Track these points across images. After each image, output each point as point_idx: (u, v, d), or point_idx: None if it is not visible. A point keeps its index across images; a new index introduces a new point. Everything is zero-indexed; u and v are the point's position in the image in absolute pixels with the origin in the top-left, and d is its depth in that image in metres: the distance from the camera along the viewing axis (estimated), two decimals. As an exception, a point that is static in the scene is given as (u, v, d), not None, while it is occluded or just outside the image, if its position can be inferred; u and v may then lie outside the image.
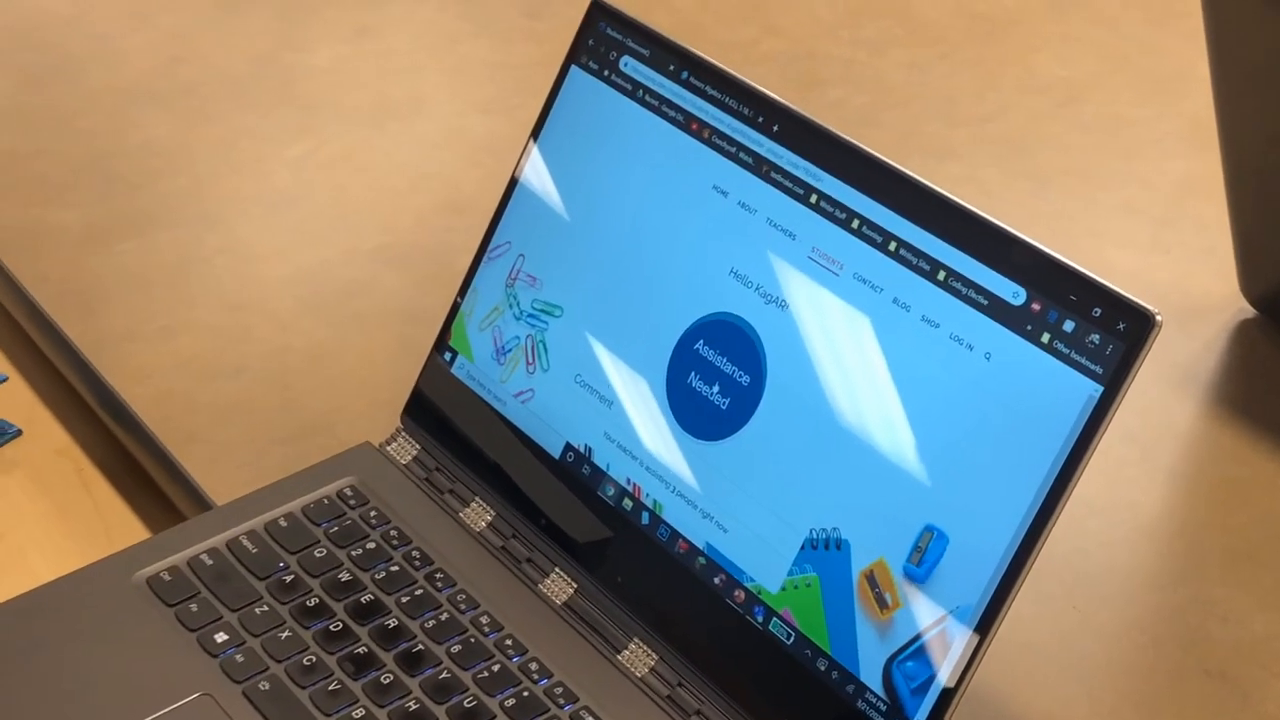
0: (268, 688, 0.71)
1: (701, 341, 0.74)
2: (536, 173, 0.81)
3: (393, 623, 0.74)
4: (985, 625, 0.63)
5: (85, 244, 0.98)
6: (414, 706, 0.70)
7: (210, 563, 0.77)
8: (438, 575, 0.77)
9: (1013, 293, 0.64)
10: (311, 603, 0.75)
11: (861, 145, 0.69)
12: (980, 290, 0.65)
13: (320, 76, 1.15)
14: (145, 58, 1.16)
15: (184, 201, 1.03)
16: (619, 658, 0.74)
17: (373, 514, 0.80)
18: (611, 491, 0.76)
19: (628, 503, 0.75)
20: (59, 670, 0.72)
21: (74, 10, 1.21)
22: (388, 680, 0.71)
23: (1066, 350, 0.62)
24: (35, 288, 0.94)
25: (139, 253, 0.98)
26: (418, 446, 0.83)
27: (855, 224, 0.69)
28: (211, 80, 1.14)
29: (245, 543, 0.78)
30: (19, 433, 0.88)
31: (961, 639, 0.63)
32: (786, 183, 0.71)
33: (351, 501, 0.80)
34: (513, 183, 0.82)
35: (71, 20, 1.20)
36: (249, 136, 1.09)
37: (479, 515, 0.80)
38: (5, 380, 0.88)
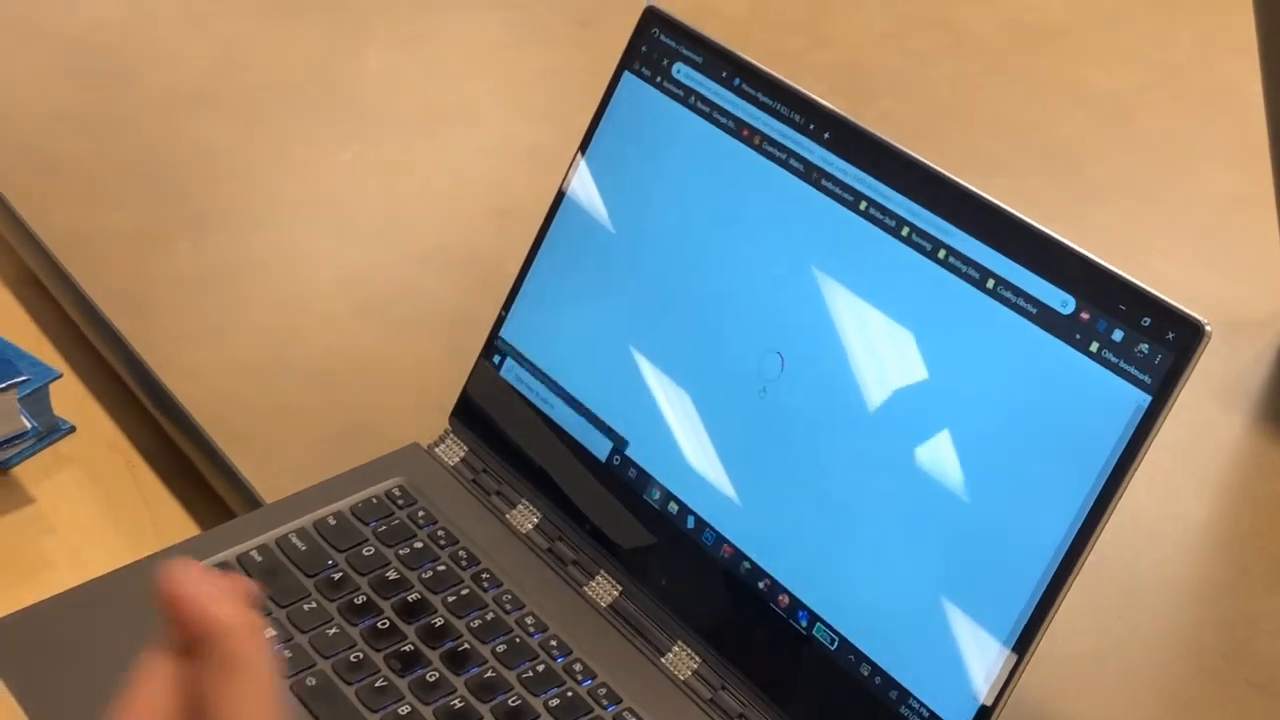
0: (314, 683, 0.71)
1: (748, 347, 0.74)
2: (587, 176, 0.82)
3: (439, 621, 0.75)
4: (1024, 643, 0.63)
5: (140, 245, 1.00)
6: (459, 705, 0.71)
7: (260, 559, 0.77)
8: (484, 575, 0.77)
9: (1061, 301, 0.64)
10: (359, 600, 0.76)
11: (912, 153, 0.70)
12: (1029, 298, 0.65)
13: (372, 83, 1.16)
14: (201, 63, 1.18)
15: (237, 205, 1.04)
16: (662, 660, 0.74)
17: (420, 514, 0.80)
18: (657, 495, 0.76)
19: (673, 506, 0.76)
20: (109, 662, 0.73)
21: (131, 15, 1.22)
22: (433, 678, 0.72)
23: (1115, 359, 0.62)
24: (91, 287, 0.95)
25: (193, 254, 0.99)
26: (465, 448, 0.84)
27: (905, 231, 0.69)
28: (265, 85, 1.15)
29: (294, 540, 0.78)
30: (72, 429, 0.89)
31: (1000, 656, 0.63)
32: (837, 190, 0.72)
33: (400, 501, 0.81)
34: (563, 187, 0.82)
35: (129, 25, 1.21)
36: (301, 141, 1.10)
37: (525, 517, 0.81)
38: (60, 377, 0.89)
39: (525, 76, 1.16)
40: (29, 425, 0.86)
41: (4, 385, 0.84)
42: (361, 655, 0.73)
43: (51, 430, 0.89)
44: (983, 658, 0.64)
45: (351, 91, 1.15)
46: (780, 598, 0.71)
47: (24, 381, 0.85)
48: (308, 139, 1.10)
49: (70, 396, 0.92)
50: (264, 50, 1.19)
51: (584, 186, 0.82)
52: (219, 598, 0.45)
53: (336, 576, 0.77)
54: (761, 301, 0.74)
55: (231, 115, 1.12)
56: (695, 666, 0.73)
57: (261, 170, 1.07)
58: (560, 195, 0.82)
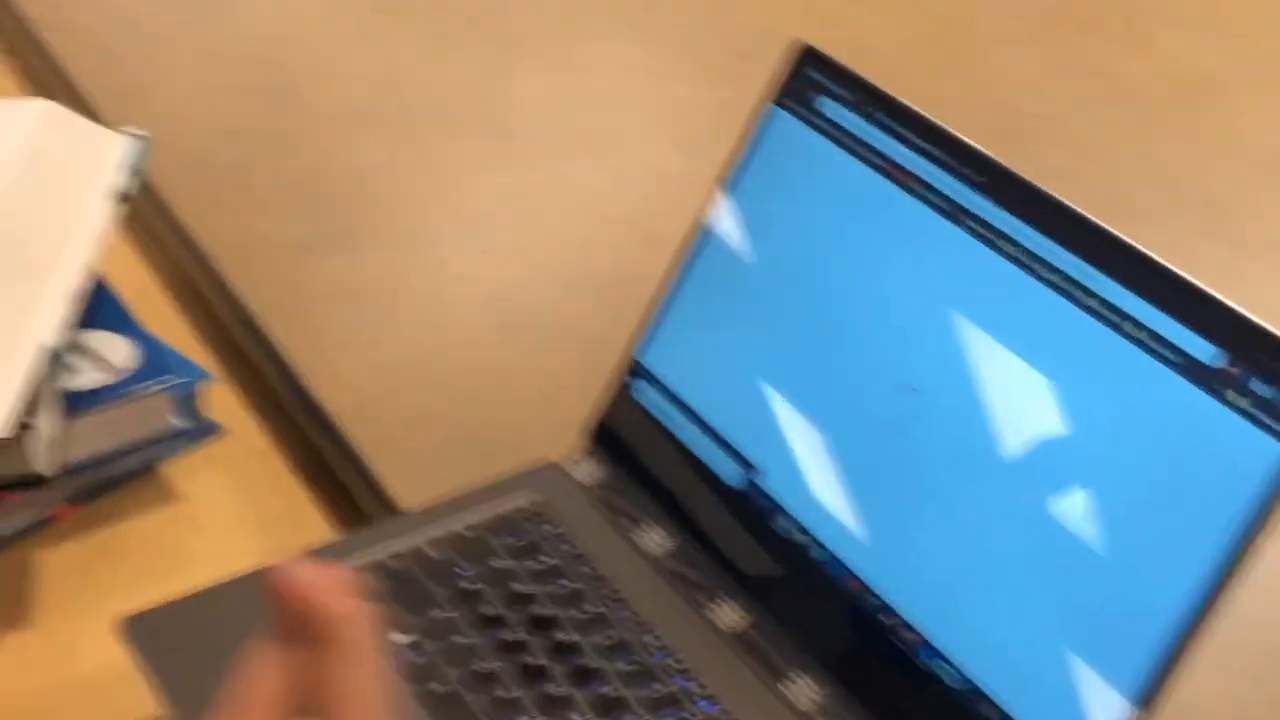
0: (441, 691, 0.73)
1: (885, 384, 0.74)
2: (729, 206, 0.83)
3: (566, 638, 0.76)
4: (1149, 699, 0.63)
5: (296, 256, 1.03)
6: (576, 716, 0.72)
7: (395, 566, 0.79)
8: (612, 595, 0.78)
9: (1208, 353, 0.64)
10: (489, 612, 0.77)
11: (1060, 197, 0.70)
12: (1173, 347, 0.65)
13: (525, 108, 1.19)
14: (362, 82, 1.21)
15: (390, 221, 1.07)
16: (784, 690, 0.74)
17: (553, 531, 0.82)
18: (786, 525, 0.77)
19: (802, 537, 0.76)
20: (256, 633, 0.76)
21: (299, 33, 1.26)
22: (556, 693, 0.73)
23: (1259, 413, 0.62)
24: (247, 295, 0.99)
25: (345, 267, 1.02)
26: (600, 468, 0.85)
27: (1049, 275, 0.69)
28: (422, 106, 1.18)
29: (429, 550, 0.80)
30: (221, 431, 0.92)
31: (1124, 712, 0.63)
32: (981, 231, 0.72)
33: (533, 517, 0.82)
34: (704, 216, 0.83)
35: (296, 42, 1.25)
36: (453, 162, 1.12)
37: (655, 540, 0.82)
38: (211, 379, 0.92)
39: (676, 108, 1.18)
40: (179, 425, 0.90)
41: (156, 385, 0.87)
42: (488, 666, 0.74)
43: (201, 431, 0.92)
44: (1106, 711, 0.64)
45: (505, 115, 1.18)
46: (905, 634, 0.71)
47: (177, 383, 0.88)
48: (460, 160, 1.13)
49: (221, 400, 0.95)
50: (423, 72, 1.22)
51: (725, 216, 0.83)
52: (332, 588, 0.47)
53: (468, 587, 0.78)
54: (900, 339, 0.74)
55: (389, 134, 1.15)
56: (816, 698, 0.74)
57: (415, 188, 1.10)
58: (701, 224, 0.83)
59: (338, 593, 0.48)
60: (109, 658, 0.77)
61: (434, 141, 1.15)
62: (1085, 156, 1.15)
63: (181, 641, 0.77)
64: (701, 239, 0.84)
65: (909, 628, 0.71)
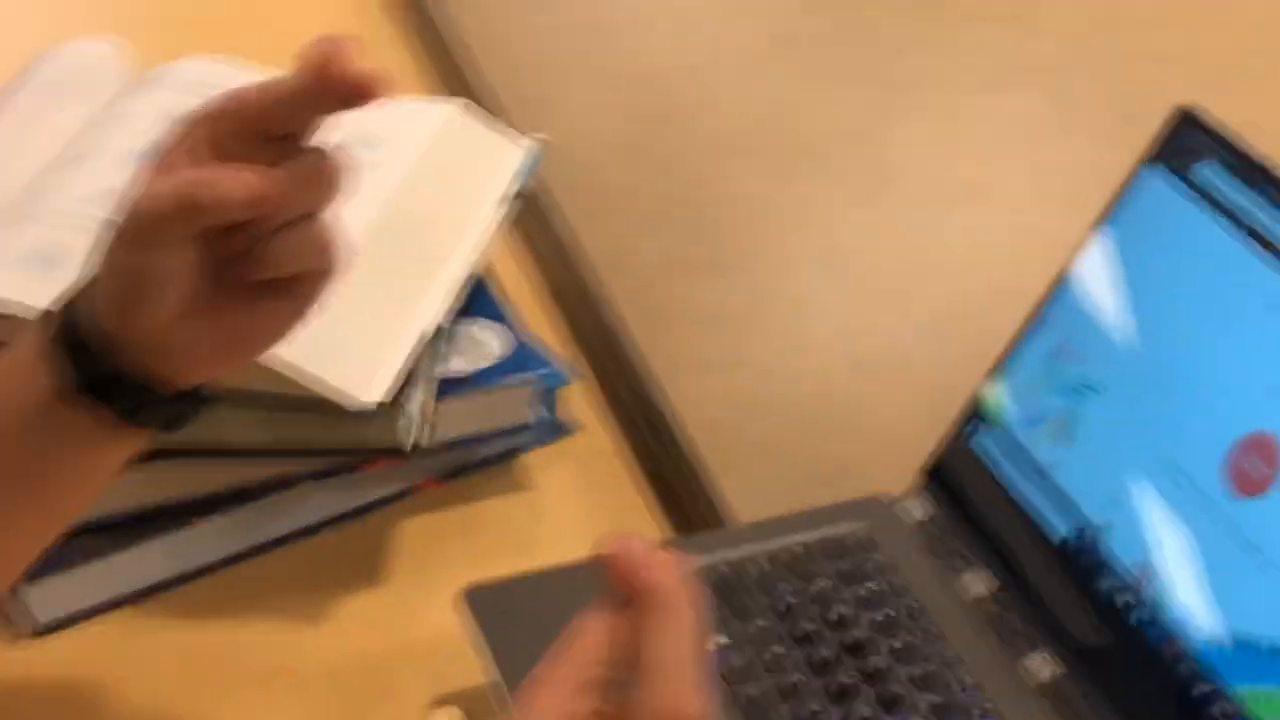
0: (752, 695, 0.76)
1: (1239, 452, 0.74)
2: (1094, 259, 0.84)
3: (877, 663, 0.78)
4: None
5: (665, 274, 1.08)
6: None
7: (723, 572, 0.83)
8: (927, 629, 0.80)
9: None
10: (807, 629, 0.80)
11: None
12: None
13: (903, 153, 1.21)
14: (748, 115, 1.25)
15: (758, 250, 1.11)
16: None
17: (877, 560, 0.84)
18: (1110, 581, 0.77)
19: (1125, 596, 0.76)
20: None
21: (694, 63, 1.31)
22: (863, 715, 0.75)
23: None
24: (615, 305, 1.04)
25: (710, 290, 1.07)
26: (930, 507, 0.87)
27: None
28: (803, 142, 1.22)
29: (757, 562, 0.83)
30: (576, 430, 0.97)
31: None
32: None
33: (860, 545, 0.85)
34: (1065, 271, 0.84)
35: (690, 72, 1.30)
36: (825, 199, 1.16)
37: (976, 583, 0.83)
38: (572, 381, 0.97)
39: (1056, 165, 1.18)
40: (538, 419, 0.95)
41: (522, 379, 0.93)
42: (800, 680, 0.77)
43: (557, 428, 0.97)
44: None
45: (881, 157, 1.20)
46: (1221, 704, 0.71)
47: (541, 379, 0.94)
48: (833, 198, 1.16)
49: (579, 400, 1.00)
50: (808, 110, 1.26)
51: (1087, 274, 0.84)
52: (657, 561, 0.51)
53: (790, 603, 0.81)
54: (1257, 417, 0.74)
55: (767, 167, 1.19)
56: None
57: (785, 221, 1.14)
58: (1061, 280, 0.84)
59: (664, 567, 0.52)
60: (446, 626, 0.82)
61: (809, 178, 1.18)
62: None
63: (514, 615, 0.81)
64: (1060, 295, 0.85)
65: (1225, 699, 0.71)
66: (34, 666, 0.86)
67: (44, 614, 0.88)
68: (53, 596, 0.88)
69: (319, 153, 0.66)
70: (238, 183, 0.64)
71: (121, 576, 0.90)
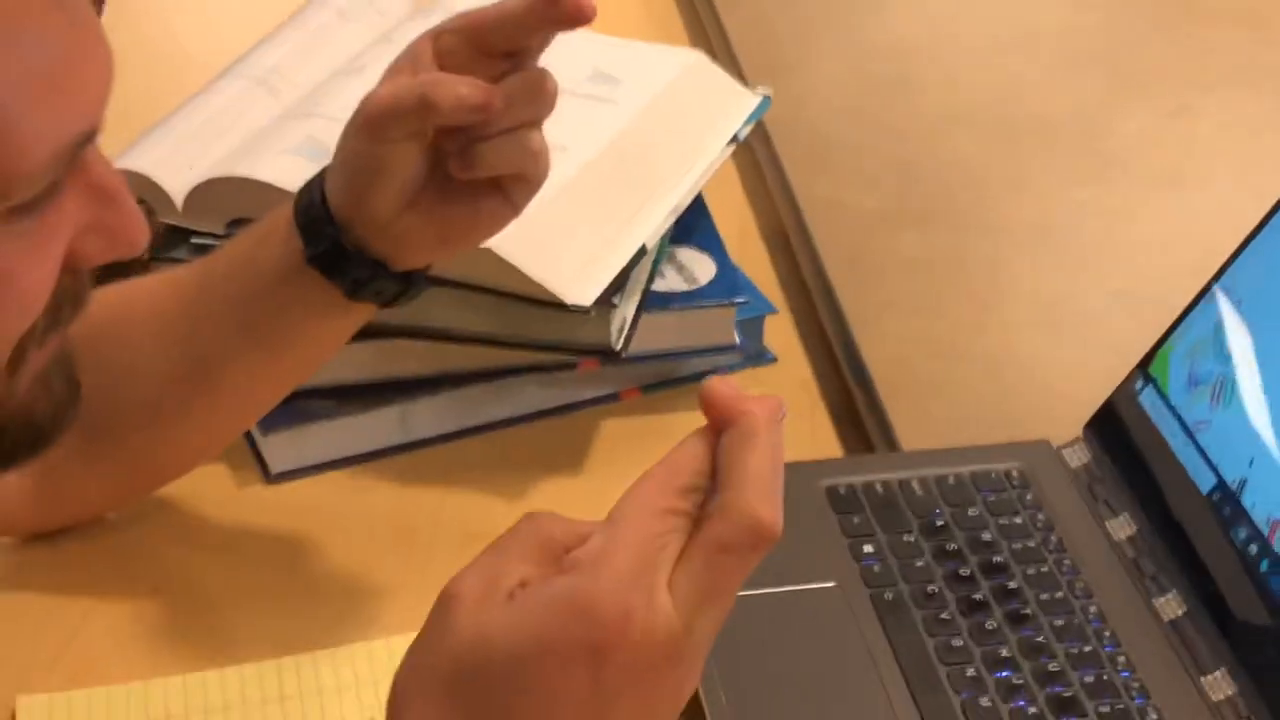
0: (890, 598, 0.82)
1: None
2: (1269, 237, 0.86)
3: (1013, 585, 0.82)
4: None
5: (877, 226, 1.11)
6: (1005, 654, 0.79)
7: (881, 491, 0.88)
8: (1066, 563, 0.84)
9: None
10: (951, 548, 0.85)
11: None
12: None
13: (1126, 139, 1.22)
14: (979, 90, 1.27)
15: (967, 211, 1.14)
16: (1201, 680, 0.78)
17: (1029, 497, 0.88)
18: (1244, 534, 0.80)
19: (1255, 547, 0.80)
20: None
21: (932, 39, 1.34)
22: (991, 627, 0.80)
23: None
24: (823, 248, 1.09)
25: (916, 244, 1.10)
26: (1089, 456, 0.91)
27: None
28: (1028, 119, 1.24)
29: (915, 485, 0.88)
30: (774, 360, 1.03)
31: None
32: None
33: (1015, 483, 0.89)
34: (1246, 241, 0.87)
35: (928, 47, 1.33)
36: (1043, 173, 1.18)
37: (1122, 528, 0.87)
38: (775, 313, 1.03)
39: (1271, 161, 1.19)
40: (739, 343, 1.00)
41: (726, 303, 0.98)
42: (937, 589, 0.82)
43: (757, 355, 1.02)
44: None
45: (1105, 141, 1.22)
46: None
47: (744, 304, 0.99)
48: (1049, 174, 1.18)
49: (780, 332, 1.05)
50: (1035, 90, 1.28)
51: (1258, 258, 0.86)
52: (749, 395, 0.56)
53: (939, 523, 0.86)
54: None
55: (990, 138, 1.21)
56: (1230, 694, 0.77)
57: (1000, 190, 1.16)
58: (1241, 247, 0.87)
59: (755, 400, 0.56)
60: None
61: (1030, 154, 1.19)
62: None
63: None
64: (1233, 269, 0.87)
65: None
66: (262, 511, 0.93)
67: (276, 465, 0.95)
68: (286, 450, 0.95)
69: (540, 71, 0.74)
70: (471, 87, 0.72)
71: (349, 439, 0.96)
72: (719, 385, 0.57)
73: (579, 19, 0.71)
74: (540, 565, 0.57)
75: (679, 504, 0.55)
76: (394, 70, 0.76)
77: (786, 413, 0.58)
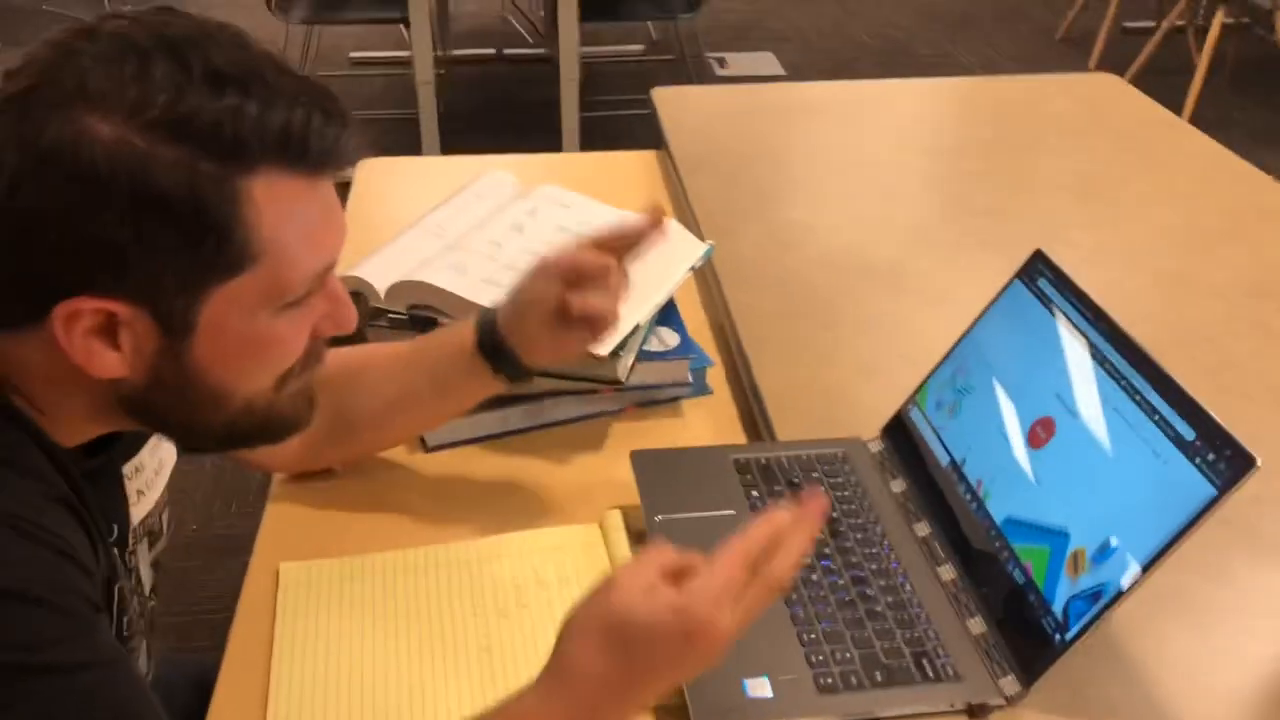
0: None
1: (1036, 415, 0.80)
2: (982, 325, 0.90)
3: (835, 514, 0.85)
4: (1111, 603, 0.68)
5: (772, 318, 1.09)
6: (827, 551, 0.82)
7: (764, 462, 0.90)
8: (866, 504, 0.87)
9: (1187, 430, 0.69)
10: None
11: (1147, 351, 0.74)
12: (1171, 425, 0.70)
13: (918, 276, 1.19)
14: (835, 249, 1.23)
15: (823, 312, 1.11)
16: (938, 569, 0.81)
17: (847, 469, 0.90)
18: (963, 488, 0.84)
19: (969, 495, 0.83)
20: (691, 489, 0.87)
21: (811, 221, 1.30)
22: (821, 538, 0.83)
23: (1203, 466, 0.66)
24: (742, 331, 1.07)
25: (793, 328, 1.08)
26: (882, 446, 0.92)
27: (1124, 383, 0.75)
28: (860, 264, 1.20)
29: (784, 459, 0.90)
30: (711, 392, 1.02)
31: (1098, 606, 0.68)
32: (1101, 360, 0.77)
33: (840, 460, 0.91)
34: (971, 328, 0.91)
35: (807, 224, 1.29)
36: (869, 293, 1.15)
37: (898, 485, 0.89)
38: (712, 364, 1.04)
39: (988, 292, 1.18)
40: (691, 382, 1.00)
41: (684, 358, 0.98)
42: None
43: (701, 388, 1.02)
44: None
45: (905, 278, 1.18)
46: (1003, 550, 0.77)
47: (695, 359, 1.00)
48: (872, 293, 1.15)
49: (716, 376, 1.02)
50: (866, 249, 1.24)
51: (979, 328, 0.90)
52: (798, 513, 0.62)
53: (795, 480, 0.89)
54: (1042, 399, 0.79)
55: (840, 273, 1.18)
56: (953, 576, 0.80)
57: (843, 301, 1.13)
58: (965, 336, 0.90)
59: (797, 515, 0.62)
60: (627, 473, 0.88)
61: (862, 281, 1.16)
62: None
63: (658, 468, 0.87)
64: (964, 341, 0.90)
65: (1008, 547, 0.77)
66: (423, 471, 0.92)
67: (432, 440, 0.95)
68: (438, 432, 0.96)
69: (622, 267, 0.81)
70: (603, 262, 0.79)
71: (475, 427, 0.97)
72: (785, 514, 0.62)
73: (663, 229, 0.80)
74: (663, 577, 0.60)
75: (746, 566, 0.60)
76: (549, 263, 0.80)
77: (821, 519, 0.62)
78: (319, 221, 0.60)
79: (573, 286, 0.78)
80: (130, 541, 0.72)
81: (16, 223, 0.54)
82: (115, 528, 0.69)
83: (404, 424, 0.90)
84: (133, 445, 0.72)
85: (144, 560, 0.76)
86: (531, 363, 0.82)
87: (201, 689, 0.94)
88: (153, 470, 0.76)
